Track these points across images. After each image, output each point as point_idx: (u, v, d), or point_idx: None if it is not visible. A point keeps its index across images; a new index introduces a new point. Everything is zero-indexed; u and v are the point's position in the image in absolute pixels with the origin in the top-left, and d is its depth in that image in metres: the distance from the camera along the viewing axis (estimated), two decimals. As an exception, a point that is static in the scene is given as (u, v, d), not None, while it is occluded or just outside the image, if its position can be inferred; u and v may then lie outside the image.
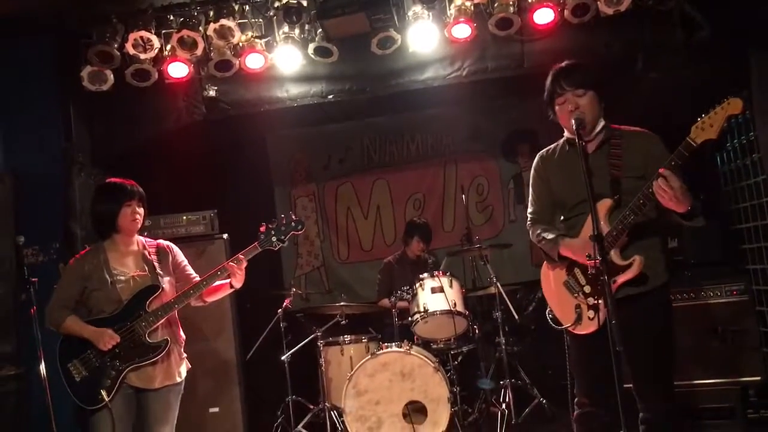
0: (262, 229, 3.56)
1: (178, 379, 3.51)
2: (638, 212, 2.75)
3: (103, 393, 3.27)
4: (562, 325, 3.07)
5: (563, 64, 3.03)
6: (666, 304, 3.01)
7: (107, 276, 3.41)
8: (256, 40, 4.76)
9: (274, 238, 3.54)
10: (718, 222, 5.11)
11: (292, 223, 3.58)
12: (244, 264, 3.50)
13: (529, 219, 3.27)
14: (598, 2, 4.45)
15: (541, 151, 3.25)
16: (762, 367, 4.52)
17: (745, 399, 4.55)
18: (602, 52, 4.72)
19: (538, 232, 3.14)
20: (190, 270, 3.67)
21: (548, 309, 3.20)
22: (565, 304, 3.03)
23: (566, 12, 4.55)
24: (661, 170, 2.63)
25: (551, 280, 3.15)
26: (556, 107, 3.00)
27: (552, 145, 3.22)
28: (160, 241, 3.69)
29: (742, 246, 5.15)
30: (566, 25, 4.66)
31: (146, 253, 3.56)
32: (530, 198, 3.27)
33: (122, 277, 3.44)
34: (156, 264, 3.53)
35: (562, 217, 3.14)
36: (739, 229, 5.18)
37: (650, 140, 2.97)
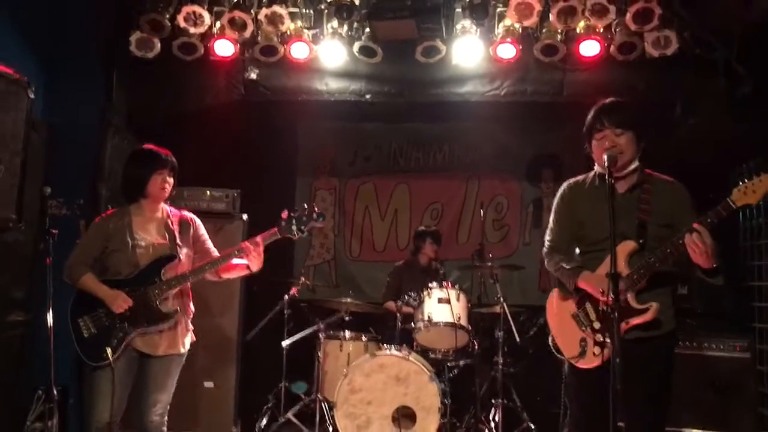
0: (284, 215, 3.55)
1: (182, 350, 3.57)
2: (664, 260, 2.79)
3: (108, 352, 3.32)
4: (563, 354, 3.10)
5: (607, 100, 3.05)
6: (671, 350, 3.03)
7: (129, 239, 3.48)
8: (305, 31, 4.85)
9: (294, 227, 3.54)
10: (732, 276, 5.12)
11: (314, 215, 3.57)
12: (262, 247, 3.52)
13: (546, 245, 3.28)
14: (645, 43, 4.49)
15: (569, 180, 3.27)
16: (754, 427, 4.52)
17: (733, 456, 4.57)
18: (642, 92, 4.75)
19: (557, 260, 3.16)
20: (209, 245, 3.73)
21: (550, 336, 3.22)
22: (569, 336, 3.06)
23: (612, 47, 4.59)
24: (695, 225, 2.68)
25: (559, 310, 3.17)
26: (594, 142, 3.03)
27: (581, 176, 3.24)
28: (185, 212, 3.75)
29: (752, 303, 5.15)
30: (610, 61, 4.70)
31: (169, 222, 3.62)
32: (550, 225, 3.28)
33: (142, 243, 3.51)
34: (177, 234, 3.59)
35: (578, 250, 3.17)
36: (752, 286, 5.17)
37: (680, 192, 3.01)
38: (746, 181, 2.63)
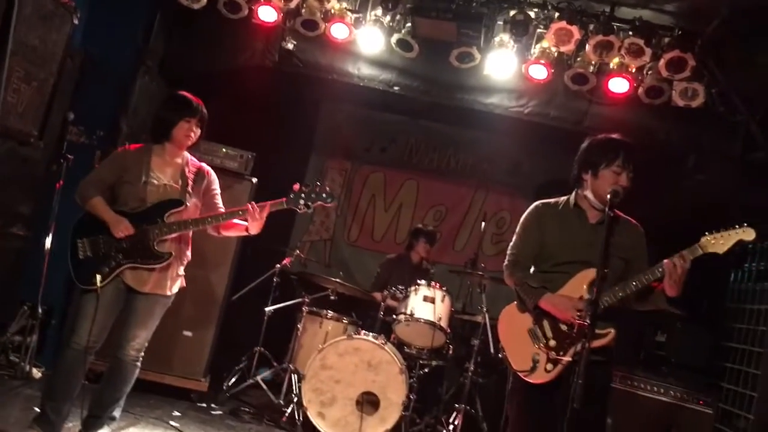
0: (296, 187, 3.61)
1: (168, 293, 3.64)
2: (634, 290, 2.92)
3: (98, 278, 3.40)
4: (511, 366, 3.16)
5: (629, 140, 3.14)
6: (611, 377, 3.21)
7: (143, 175, 3.56)
8: (348, 13, 4.94)
9: (302, 201, 3.59)
10: (713, 334, 5.24)
11: (324, 194, 3.61)
12: (266, 213, 3.59)
13: (509, 258, 3.33)
14: (673, 91, 4.57)
15: (542, 200, 3.37)
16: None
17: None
18: (660, 139, 4.84)
19: (520, 275, 3.24)
20: (218, 200, 3.81)
21: (500, 346, 3.28)
22: (521, 350, 3.12)
23: (641, 89, 4.68)
24: (682, 252, 2.84)
25: (513, 323, 3.22)
26: (607, 172, 3.09)
27: (553, 199, 3.35)
28: (203, 164, 3.83)
29: (725, 363, 5.24)
30: (635, 101, 4.80)
31: (186, 170, 3.70)
32: (515, 239, 3.34)
33: (155, 181, 3.58)
34: (190, 182, 3.67)
35: (532, 269, 3.26)
36: (729, 347, 5.26)
37: (640, 233, 3.19)
38: (714, 232, 2.81)
